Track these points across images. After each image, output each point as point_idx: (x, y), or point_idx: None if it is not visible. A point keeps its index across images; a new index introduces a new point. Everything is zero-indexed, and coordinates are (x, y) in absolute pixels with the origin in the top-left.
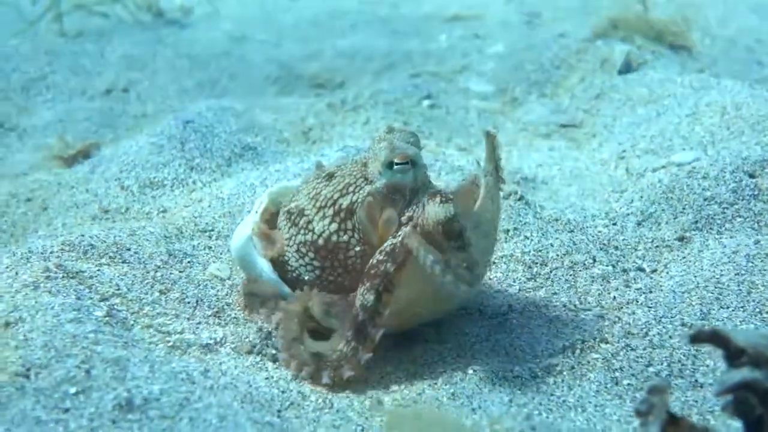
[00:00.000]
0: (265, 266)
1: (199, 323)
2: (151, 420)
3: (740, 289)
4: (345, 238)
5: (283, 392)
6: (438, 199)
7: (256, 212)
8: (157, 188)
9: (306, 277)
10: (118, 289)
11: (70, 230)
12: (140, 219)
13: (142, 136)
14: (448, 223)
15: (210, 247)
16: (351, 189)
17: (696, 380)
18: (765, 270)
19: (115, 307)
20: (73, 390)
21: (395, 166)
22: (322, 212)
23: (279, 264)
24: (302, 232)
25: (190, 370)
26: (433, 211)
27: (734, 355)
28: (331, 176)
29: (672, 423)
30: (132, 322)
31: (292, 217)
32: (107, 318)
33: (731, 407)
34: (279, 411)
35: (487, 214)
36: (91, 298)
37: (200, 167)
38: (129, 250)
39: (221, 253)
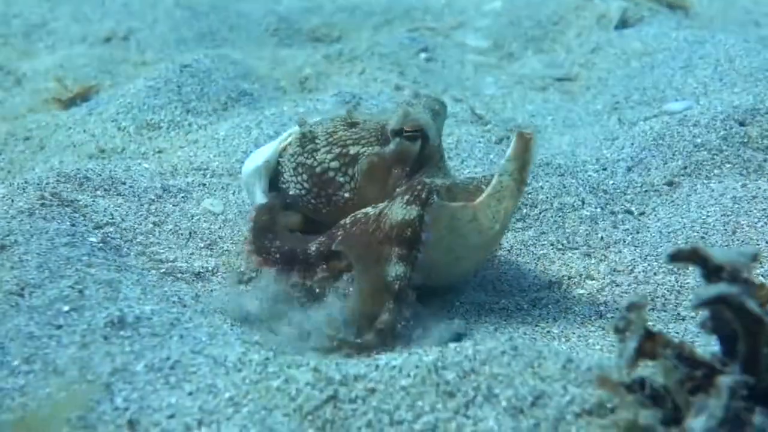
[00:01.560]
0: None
1: (192, 254)
2: (142, 337)
3: (726, 229)
4: (341, 180)
5: None
6: (408, 196)
7: (280, 143)
8: (153, 130)
9: (291, 192)
10: (112, 219)
11: (66, 167)
12: (136, 158)
13: (140, 79)
14: (402, 225)
15: (204, 184)
16: (363, 142)
17: (678, 313)
18: (751, 211)
19: (109, 235)
20: (66, 308)
21: (404, 134)
22: (330, 147)
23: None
24: (305, 155)
25: (182, 294)
26: (395, 210)
27: (712, 272)
28: (353, 125)
29: (649, 338)
30: (126, 250)
31: (304, 140)
32: (101, 244)
33: (708, 323)
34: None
35: (488, 211)
36: (85, 225)
37: (196, 110)
38: (124, 183)
39: (215, 190)
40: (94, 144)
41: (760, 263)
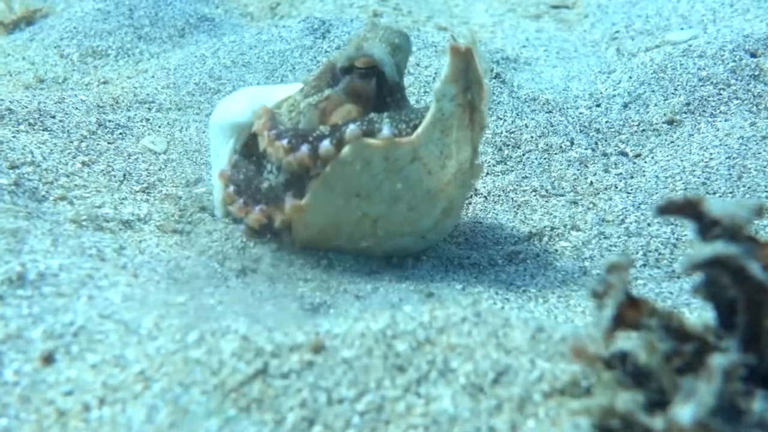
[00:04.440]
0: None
1: (124, 198)
2: (44, 297)
3: (730, 174)
4: None
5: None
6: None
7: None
8: (99, 58)
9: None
10: (33, 157)
11: None
12: (78, 90)
13: (88, 1)
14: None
15: (148, 119)
16: (312, 92)
17: (673, 271)
18: (759, 153)
19: (25, 176)
20: None
21: (356, 71)
22: (290, 116)
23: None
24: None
25: (102, 246)
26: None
27: (708, 227)
28: (305, 82)
29: (631, 306)
30: (43, 193)
31: (275, 120)
32: (13, 187)
33: (702, 288)
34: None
35: (432, 147)
36: None
37: (149, 37)
38: (53, 117)
39: (159, 126)
40: (32, 73)
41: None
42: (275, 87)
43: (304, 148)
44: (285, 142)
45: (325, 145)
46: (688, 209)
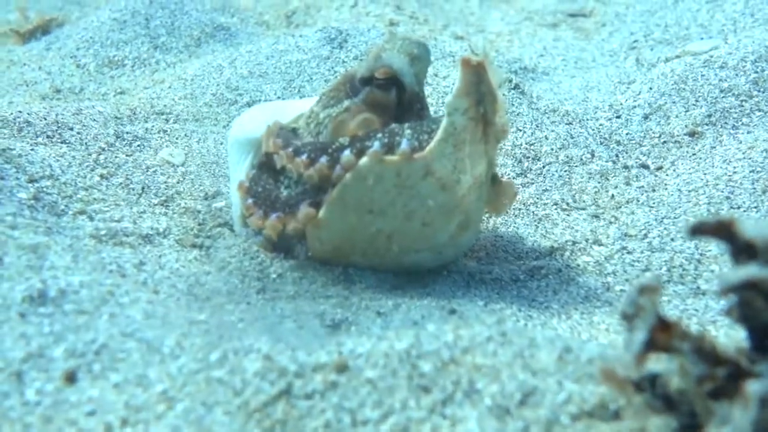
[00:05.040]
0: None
1: (143, 212)
2: (66, 315)
3: (754, 188)
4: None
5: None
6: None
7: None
8: (116, 68)
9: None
10: (51, 171)
11: (6, 109)
12: (94, 100)
13: (104, 11)
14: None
15: (165, 131)
16: (332, 103)
17: (698, 287)
18: None
19: (44, 189)
20: None
21: (375, 82)
22: (308, 127)
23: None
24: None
25: (122, 261)
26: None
27: (742, 249)
28: (323, 94)
29: (662, 328)
30: (62, 207)
31: (288, 137)
32: (32, 201)
33: (735, 311)
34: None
35: (445, 162)
36: (17, 179)
37: (166, 47)
38: (71, 129)
39: (177, 138)
40: (49, 83)
41: None
42: (292, 102)
43: (323, 160)
44: (304, 157)
45: (346, 154)
46: (721, 231)
